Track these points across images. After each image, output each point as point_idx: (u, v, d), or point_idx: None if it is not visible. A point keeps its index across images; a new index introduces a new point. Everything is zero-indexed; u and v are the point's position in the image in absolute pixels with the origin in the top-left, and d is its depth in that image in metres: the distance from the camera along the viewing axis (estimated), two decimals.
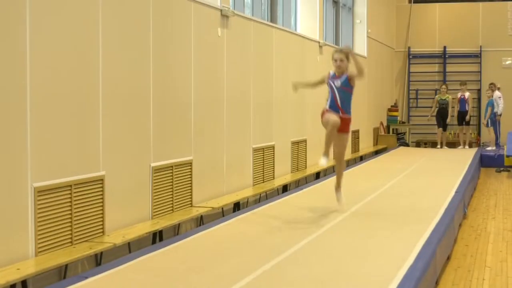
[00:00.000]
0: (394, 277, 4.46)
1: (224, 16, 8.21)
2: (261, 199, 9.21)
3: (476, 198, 10.64)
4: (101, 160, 5.82)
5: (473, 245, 7.11)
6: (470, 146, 17.07)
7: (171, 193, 7.00)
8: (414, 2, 20.07)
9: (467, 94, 16.53)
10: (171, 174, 6.99)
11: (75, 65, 5.50)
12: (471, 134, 17.65)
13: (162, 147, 6.83)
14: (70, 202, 5.41)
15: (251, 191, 8.71)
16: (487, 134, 17.35)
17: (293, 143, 10.95)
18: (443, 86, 16.71)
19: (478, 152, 15.30)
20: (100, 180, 5.79)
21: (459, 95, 16.56)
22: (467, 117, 16.51)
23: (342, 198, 7.17)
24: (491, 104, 16.39)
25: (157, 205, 6.72)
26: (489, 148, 16.31)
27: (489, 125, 16.54)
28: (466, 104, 16.43)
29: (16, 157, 4.85)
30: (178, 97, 7.19)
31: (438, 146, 16.71)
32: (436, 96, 16.87)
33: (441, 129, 16.60)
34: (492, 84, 16.94)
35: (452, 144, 17.55)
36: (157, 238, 6.47)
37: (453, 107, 16.55)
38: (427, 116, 17.33)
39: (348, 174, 10.97)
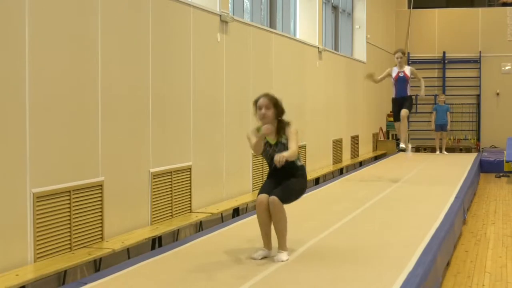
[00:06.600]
0: (394, 283, 4.46)
1: (223, 21, 8.21)
2: None
3: (476, 203, 10.63)
4: (100, 165, 5.82)
5: (473, 250, 7.10)
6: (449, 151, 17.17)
7: (170, 198, 6.99)
8: (413, 8, 20.08)
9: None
10: (170, 180, 6.98)
11: (74, 71, 5.50)
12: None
13: (161, 153, 6.82)
14: (69, 208, 5.40)
15: (250, 197, 8.68)
16: (486, 138, 17.32)
17: None
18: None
19: (477, 158, 15.30)
20: (99, 186, 5.78)
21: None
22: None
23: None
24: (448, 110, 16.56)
25: (156, 210, 6.71)
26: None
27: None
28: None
29: (15, 163, 4.85)
30: (177, 103, 7.19)
31: (437, 152, 16.60)
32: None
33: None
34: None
35: (451, 150, 17.55)
36: (156, 244, 6.46)
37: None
38: (427, 122, 17.30)
39: (348, 180, 10.98)
